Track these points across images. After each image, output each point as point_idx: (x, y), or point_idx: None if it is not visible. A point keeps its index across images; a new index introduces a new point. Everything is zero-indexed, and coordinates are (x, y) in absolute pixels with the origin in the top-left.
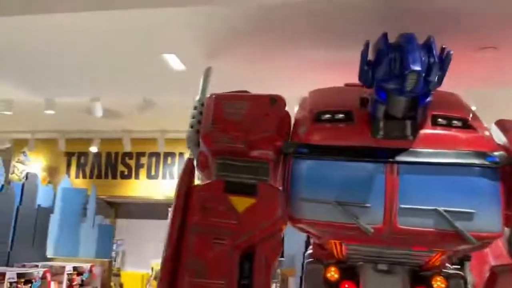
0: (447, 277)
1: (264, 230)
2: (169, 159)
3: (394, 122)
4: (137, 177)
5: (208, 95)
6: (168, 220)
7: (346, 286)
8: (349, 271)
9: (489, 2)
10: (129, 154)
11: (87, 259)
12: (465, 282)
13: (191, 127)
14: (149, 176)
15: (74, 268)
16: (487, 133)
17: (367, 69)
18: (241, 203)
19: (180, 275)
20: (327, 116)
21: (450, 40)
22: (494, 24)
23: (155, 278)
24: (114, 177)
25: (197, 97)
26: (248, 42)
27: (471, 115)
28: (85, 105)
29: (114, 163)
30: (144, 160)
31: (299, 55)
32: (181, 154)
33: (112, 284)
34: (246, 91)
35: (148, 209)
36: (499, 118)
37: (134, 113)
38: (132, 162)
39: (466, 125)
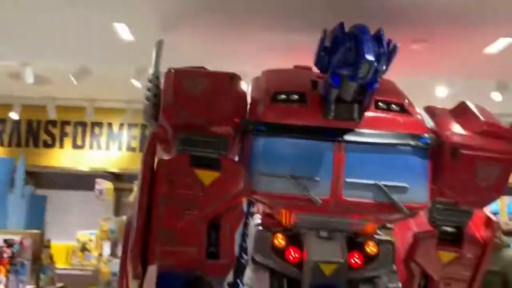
0: (378, 243)
1: (228, 201)
2: (97, 129)
3: (343, 105)
4: (61, 146)
5: (162, 70)
6: (136, 193)
7: (292, 251)
8: (294, 238)
9: None
10: (52, 122)
11: (18, 231)
12: (393, 246)
13: (147, 100)
14: (74, 146)
15: (4, 240)
16: (419, 117)
17: (324, 55)
18: (206, 176)
19: (152, 244)
20: (283, 96)
21: (386, 32)
22: (426, 19)
23: (81, 250)
24: (36, 145)
25: (151, 70)
26: (203, 19)
27: (406, 101)
28: (13, 70)
29: (36, 131)
30: (69, 129)
31: (253, 34)
32: (109, 124)
33: (42, 256)
34: (203, 67)
35: (72, 180)
36: (425, 103)
37: (65, 80)
38: (56, 131)
39: (403, 110)
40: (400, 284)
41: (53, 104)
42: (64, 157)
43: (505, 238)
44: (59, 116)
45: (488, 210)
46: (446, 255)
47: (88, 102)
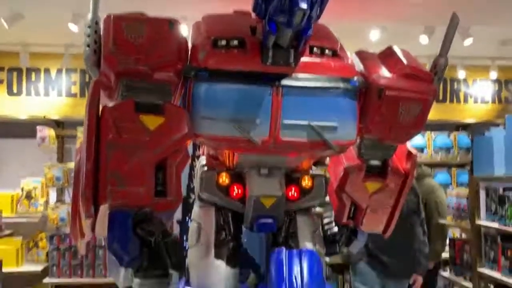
0: (313, 177)
1: (174, 144)
2: (33, 74)
3: (280, 51)
4: None
5: (101, 15)
6: (83, 139)
7: (235, 187)
8: (237, 176)
9: None
10: None
11: None
12: (326, 180)
13: (88, 46)
14: (10, 93)
15: None
16: (350, 61)
17: (261, 2)
18: (151, 121)
19: (102, 186)
20: (223, 42)
21: None
22: None
23: (26, 198)
24: None
25: (90, 16)
26: None
27: (339, 46)
28: None
29: None
30: (3, 75)
31: None
32: (46, 69)
33: None
34: (142, 13)
35: (11, 129)
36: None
37: None
38: None
39: (335, 54)
40: (333, 213)
41: None
42: (0, 105)
43: (428, 169)
44: None
45: (409, 145)
46: (372, 186)
47: (22, 47)
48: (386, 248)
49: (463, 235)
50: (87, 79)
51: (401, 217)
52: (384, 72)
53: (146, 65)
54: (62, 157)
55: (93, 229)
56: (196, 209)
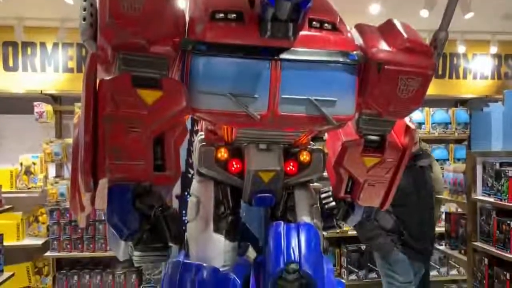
0: (311, 152)
1: (172, 119)
2: (29, 49)
3: (279, 24)
4: None
5: None
6: (81, 113)
7: (234, 162)
8: (236, 151)
9: None
10: None
11: None
12: (324, 154)
13: (84, 19)
14: (6, 68)
15: None
16: (349, 35)
17: None
18: (149, 96)
19: (100, 161)
20: (221, 15)
21: None
22: None
23: (25, 173)
24: None
25: None
26: None
27: (338, 19)
28: None
29: None
30: None
31: None
32: (42, 44)
33: None
34: None
35: (8, 104)
36: (359, 19)
37: None
38: None
39: (334, 28)
40: (331, 187)
41: None
42: None
43: (427, 146)
44: None
45: (407, 119)
46: (370, 160)
47: (16, 20)
48: (419, 235)
49: (459, 210)
50: (83, 54)
51: (426, 202)
52: (384, 46)
53: (143, 38)
54: (60, 132)
55: (92, 202)
56: (195, 184)
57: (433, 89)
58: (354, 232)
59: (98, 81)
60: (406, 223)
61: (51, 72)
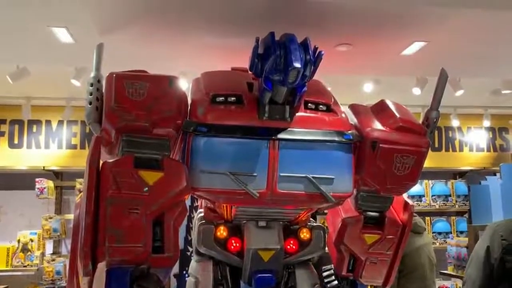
0: (311, 229)
1: (172, 199)
2: (35, 127)
3: (276, 107)
4: None
5: (103, 72)
6: (83, 195)
7: (233, 241)
8: (235, 229)
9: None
10: None
11: None
12: (324, 232)
13: (90, 103)
14: (11, 145)
15: None
16: (344, 115)
17: (257, 62)
18: (150, 176)
19: (100, 243)
20: (221, 98)
21: (315, 37)
22: (349, 23)
23: (22, 251)
24: None
25: (92, 74)
26: (142, 22)
27: (332, 100)
28: None
29: None
30: (4, 128)
31: (192, 37)
32: (48, 122)
33: None
34: (144, 71)
35: (11, 180)
36: (353, 98)
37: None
38: None
39: (329, 109)
40: (332, 265)
41: None
42: (1, 157)
43: (422, 223)
44: None
45: (405, 195)
46: (370, 237)
47: (24, 100)
48: None
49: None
50: (87, 131)
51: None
52: (377, 125)
53: (147, 121)
54: (60, 208)
55: (90, 287)
56: (193, 264)
57: (430, 162)
58: None
59: (101, 162)
60: None
61: (54, 148)
